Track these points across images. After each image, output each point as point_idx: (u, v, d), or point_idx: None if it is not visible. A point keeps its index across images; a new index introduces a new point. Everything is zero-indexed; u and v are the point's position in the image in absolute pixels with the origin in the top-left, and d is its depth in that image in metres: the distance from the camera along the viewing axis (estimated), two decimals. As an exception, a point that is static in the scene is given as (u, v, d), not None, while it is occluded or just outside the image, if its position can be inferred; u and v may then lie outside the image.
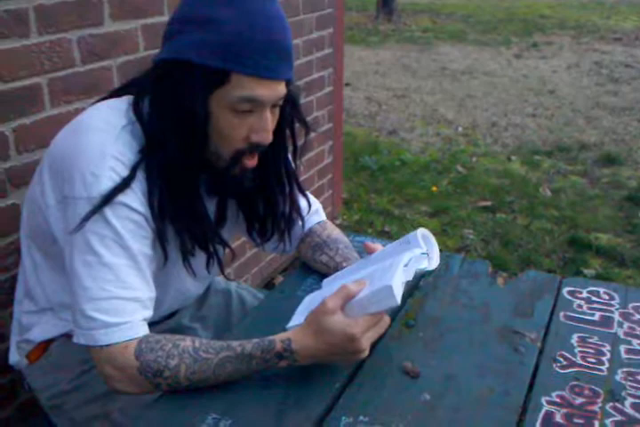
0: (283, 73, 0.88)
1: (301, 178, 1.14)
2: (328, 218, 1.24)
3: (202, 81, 0.84)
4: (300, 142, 1.05)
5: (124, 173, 0.87)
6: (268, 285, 2.33)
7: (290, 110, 0.98)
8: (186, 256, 0.96)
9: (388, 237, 2.67)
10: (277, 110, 0.94)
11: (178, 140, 0.88)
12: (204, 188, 0.97)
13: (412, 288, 1.15)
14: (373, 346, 0.91)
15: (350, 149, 3.85)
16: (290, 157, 1.05)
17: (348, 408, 0.85)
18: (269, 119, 0.90)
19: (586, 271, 2.46)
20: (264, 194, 1.04)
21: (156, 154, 0.89)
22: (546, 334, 1.02)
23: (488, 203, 3.17)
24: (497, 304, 1.11)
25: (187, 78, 0.85)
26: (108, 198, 0.85)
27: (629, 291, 1.16)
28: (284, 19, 0.88)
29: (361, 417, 0.83)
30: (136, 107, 0.91)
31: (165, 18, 1.50)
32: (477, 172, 3.62)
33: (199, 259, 1.00)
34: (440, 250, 1.03)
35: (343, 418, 0.83)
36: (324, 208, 1.25)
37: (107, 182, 0.85)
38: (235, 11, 0.83)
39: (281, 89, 0.89)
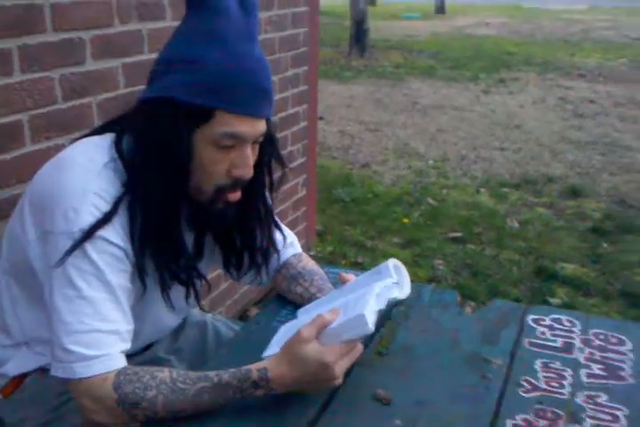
0: (264, 111, 0.93)
1: (276, 210, 1.18)
2: (302, 250, 1.28)
3: (187, 118, 0.89)
4: (275, 177, 1.09)
5: (106, 208, 0.89)
6: (243, 316, 2.35)
7: (268, 147, 1.02)
8: (165, 290, 0.98)
9: (360, 268, 2.71)
10: (257, 147, 0.98)
11: (160, 175, 0.91)
12: (184, 222, 0.99)
13: (385, 318, 1.19)
14: (347, 374, 0.94)
15: (324, 182, 3.92)
16: (266, 191, 1.09)
17: (323, 435, 0.87)
18: (250, 154, 0.95)
19: (552, 300, 2.53)
20: (241, 228, 1.07)
21: (138, 189, 0.92)
22: (511, 360, 1.06)
23: (458, 234, 3.25)
24: (465, 332, 1.15)
25: (172, 115, 0.89)
26: (89, 233, 0.87)
27: (590, 318, 1.21)
28: (266, 61, 0.93)
29: (335, 443, 0.86)
30: (119, 144, 0.95)
31: (146, 57, 1.56)
32: (447, 204, 3.71)
33: (177, 292, 1.02)
34: (411, 280, 1.08)
35: (318, 445, 0.86)
36: (299, 240, 1.29)
37: (87, 218, 0.88)
38: (221, 52, 0.88)
39: (262, 126, 0.94)
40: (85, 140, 1.00)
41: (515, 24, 15.52)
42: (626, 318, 2.42)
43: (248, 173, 0.95)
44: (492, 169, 4.46)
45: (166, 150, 0.90)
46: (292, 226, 2.60)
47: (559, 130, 5.55)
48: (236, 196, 0.98)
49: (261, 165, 1.02)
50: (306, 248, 2.76)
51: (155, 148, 0.91)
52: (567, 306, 2.45)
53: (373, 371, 1.03)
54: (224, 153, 0.92)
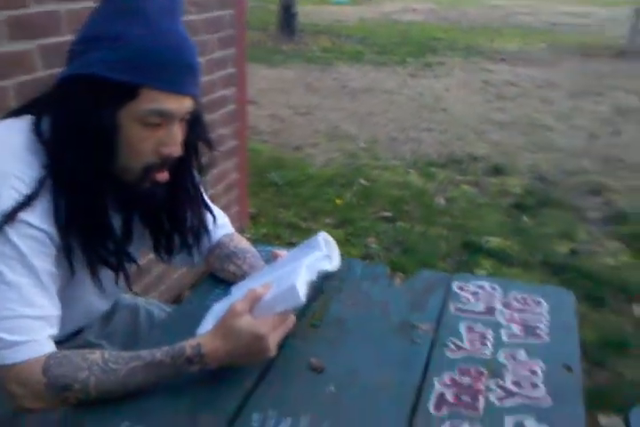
0: (191, 88, 0.92)
1: (208, 194, 1.18)
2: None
3: (111, 95, 0.87)
4: (204, 158, 1.09)
5: (26, 191, 0.87)
6: (177, 301, 2.33)
7: (195, 126, 1.01)
8: (94, 273, 0.97)
9: (294, 247, 2.73)
10: (184, 125, 0.97)
11: (83, 155, 0.89)
12: (111, 204, 0.98)
13: (317, 292, 1.22)
14: (282, 346, 0.97)
15: (256, 166, 3.91)
16: (195, 172, 1.09)
17: (259, 405, 0.90)
18: (178, 132, 0.94)
19: (478, 272, 2.65)
20: (171, 209, 1.07)
21: (59, 171, 0.89)
22: (438, 325, 1.12)
23: (389, 213, 3.34)
24: (395, 302, 1.20)
25: (94, 93, 0.87)
26: (9, 217, 0.85)
27: (509, 283, 1.29)
28: (189, 38, 0.92)
29: (270, 412, 0.88)
30: (37, 125, 0.92)
31: (64, 38, 1.50)
32: (379, 184, 3.79)
33: (107, 275, 1.01)
34: (344, 257, 1.11)
35: (254, 415, 0.88)
36: (232, 224, 1.29)
37: (7, 201, 0.85)
38: (144, 28, 0.86)
39: (189, 103, 0.93)
40: (0, 123, 0.96)
41: (440, 10, 15.83)
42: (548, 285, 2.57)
43: (176, 150, 0.95)
44: (420, 150, 4.57)
45: (89, 129, 0.88)
46: (224, 210, 2.57)
47: (483, 111, 5.75)
48: (163, 176, 0.97)
49: (189, 145, 1.01)
50: (239, 231, 2.74)
51: (76, 127, 0.89)
52: (492, 276, 2.57)
53: (307, 342, 1.06)
54: (151, 131, 0.91)
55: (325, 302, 1.20)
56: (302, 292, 0.90)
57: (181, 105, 0.92)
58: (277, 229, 3.05)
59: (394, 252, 2.85)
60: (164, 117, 0.91)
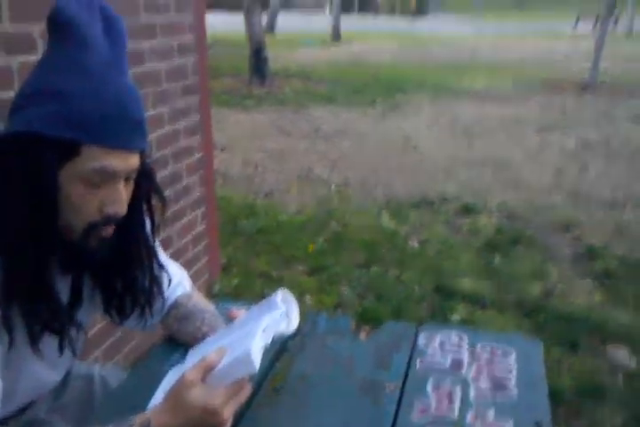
0: (135, 143, 0.89)
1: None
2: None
3: (52, 153, 0.83)
4: (163, 214, 1.05)
5: None
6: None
7: (145, 183, 0.97)
8: (34, 341, 0.91)
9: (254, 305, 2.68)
10: (132, 183, 0.93)
11: (22, 217, 0.85)
12: (58, 266, 0.94)
13: (280, 351, 1.18)
14: (240, 417, 0.92)
15: (228, 214, 3.88)
16: (149, 230, 1.06)
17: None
18: (122, 191, 0.90)
19: (452, 317, 2.62)
20: (121, 270, 1.02)
21: None
22: (404, 383, 1.08)
23: (362, 258, 3.32)
24: (360, 358, 1.16)
25: (36, 151, 0.83)
26: None
27: (476, 333, 1.26)
28: (135, 90, 0.89)
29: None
30: None
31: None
32: (352, 228, 3.78)
33: (51, 344, 0.97)
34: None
35: None
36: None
37: None
38: (86, 82, 0.84)
39: (134, 160, 0.90)
40: None
41: (408, 49, 16.35)
42: (521, 328, 2.55)
43: (121, 209, 0.91)
44: (392, 191, 4.60)
45: (28, 190, 0.84)
46: (193, 261, 2.54)
47: (452, 150, 5.84)
48: (109, 231, 0.92)
49: (138, 203, 0.98)
50: (209, 283, 2.71)
51: (17, 187, 0.84)
52: (466, 321, 2.55)
53: (268, 410, 1.01)
54: (94, 189, 0.87)
55: (288, 361, 1.16)
56: (257, 359, 0.86)
57: (126, 162, 0.88)
58: (249, 279, 3.00)
59: (368, 298, 2.82)
60: (108, 176, 0.87)
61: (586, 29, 19.63)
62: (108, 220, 0.91)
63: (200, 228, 2.65)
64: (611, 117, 7.29)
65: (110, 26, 0.89)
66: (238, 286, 2.90)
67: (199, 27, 2.52)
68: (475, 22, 27.67)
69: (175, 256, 2.28)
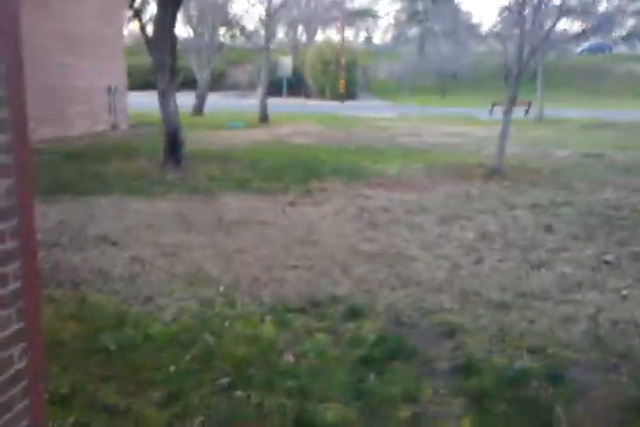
0: None
1: None
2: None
3: None
4: None
5: None
6: None
7: None
8: None
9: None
10: None
11: None
12: None
13: None
14: None
15: (92, 325, 3.58)
16: None
17: None
18: None
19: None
20: None
21: None
22: None
23: (228, 379, 3.05)
24: None
25: None
26: None
27: None
28: None
29: None
30: None
31: None
32: (226, 340, 3.54)
33: None
34: None
35: None
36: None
37: None
38: None
39: None
40: None
41: (331, 132, 16.82)
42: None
43: None
44: (282, 292, 4.42)
45: None
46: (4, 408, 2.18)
47: (353, 242, 5.78)
48: None
49: None
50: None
51: None
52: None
53: None
54: None
55: None
56: None
57: None
58: (90, 414, 2.67)
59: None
60: None
61: (500, 116, 20.97)
62: None
63: (16, 367, 2.33)
64: (511, 206, 7.51)
65: None
66: (75, 425, 2.56)
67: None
68: (400, 106, 29.21)
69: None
